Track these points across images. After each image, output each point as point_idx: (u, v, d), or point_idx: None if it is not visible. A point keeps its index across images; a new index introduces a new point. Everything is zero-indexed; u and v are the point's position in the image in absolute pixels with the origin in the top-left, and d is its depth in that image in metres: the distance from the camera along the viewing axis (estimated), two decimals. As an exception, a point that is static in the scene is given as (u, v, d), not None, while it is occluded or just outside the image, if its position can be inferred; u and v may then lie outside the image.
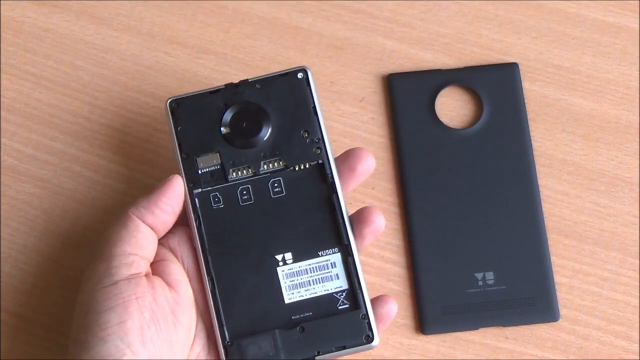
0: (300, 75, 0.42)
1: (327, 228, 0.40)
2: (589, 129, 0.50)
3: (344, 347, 0.39)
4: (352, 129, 0.50)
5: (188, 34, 0.52)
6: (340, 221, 0.40)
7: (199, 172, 0.41)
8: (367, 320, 0.39)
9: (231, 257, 0.40)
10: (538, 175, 0.49)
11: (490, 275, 0.45)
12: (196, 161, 0.41)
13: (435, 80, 0.50)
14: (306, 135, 0.41)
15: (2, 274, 0.48)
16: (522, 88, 0.50)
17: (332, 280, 0.40)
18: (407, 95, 0.50)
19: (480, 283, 0.46)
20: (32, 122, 0.51)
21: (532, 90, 0.51)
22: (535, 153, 0.49)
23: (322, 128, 0.41)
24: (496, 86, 0.50)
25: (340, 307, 0.40)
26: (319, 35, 0.52)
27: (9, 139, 0.51)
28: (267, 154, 0.41)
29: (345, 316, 0.39)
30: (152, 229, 0.40)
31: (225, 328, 0.39)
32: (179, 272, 0.40)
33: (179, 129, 0.41)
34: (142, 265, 0.39)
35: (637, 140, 0.50)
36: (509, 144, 0.49)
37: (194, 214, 0.40)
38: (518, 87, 0.50)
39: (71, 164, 0.50)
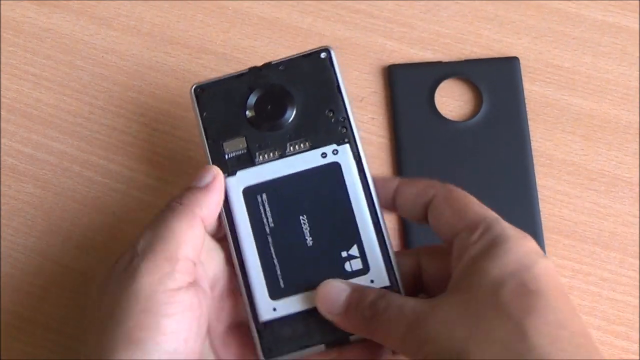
0: (323, 55, 0.42)
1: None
2: (589, 129, 0.50)
3: None
4: (352, 129, 0.50)
5: (188, 34, 0.52)
6: (370, 200, 0.40)
7: (226, 157, 0.40)
8: (399, 294, 0.39)
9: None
10: (538, 176, 0.49)
11: None
12: (222, 146, 0.41)
13: (436, 72, 0.50)
14: (331, 114, 0.41)
15: (2, 274, 0.48)
16: (522, 81, 0.50)
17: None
18: (407, 87, 0.50)
19: None
20: (32, 122, 0.51)
21: (532, 90, 0.51)
22: (535, 153, 0.49)
23: (347, 107, 0.41)
24: (496, 79, 0.50)
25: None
26: (319, 35, 0.52)
27: (9, 139, 0.51)
28: (292, 136, 0.41)
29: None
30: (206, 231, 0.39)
31: (257, 312, 0.39)
32: (203, 275, 0.39)
33: (204, 114, 0.41)
34: (198, 273, 0.38)
35: (637, 140, 0.50)
36: (508, 136, 0.49)
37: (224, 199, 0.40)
38: (518, 81, 0.50)
39: (71, 164, 0.50)
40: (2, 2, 0.53)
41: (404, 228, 0.48)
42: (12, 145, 0.51)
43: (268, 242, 0.39)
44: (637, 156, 0.49)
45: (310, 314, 0.39)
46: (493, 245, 0.34)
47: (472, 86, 0.50)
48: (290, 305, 0.39)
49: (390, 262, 0.39)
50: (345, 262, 0.39)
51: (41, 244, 0.49)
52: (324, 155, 0.40)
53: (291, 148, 0.40)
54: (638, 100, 0.50)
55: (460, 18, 0.52)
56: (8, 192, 0.50)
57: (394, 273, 0.39)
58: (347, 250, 0.39)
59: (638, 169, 0.49)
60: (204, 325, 0.37)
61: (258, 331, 0.39)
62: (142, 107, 0.51)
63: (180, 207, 0.37)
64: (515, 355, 0.31)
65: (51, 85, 0.52)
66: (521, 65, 0.51)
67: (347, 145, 0.40)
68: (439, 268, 0.38)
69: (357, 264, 0.39)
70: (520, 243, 0.34)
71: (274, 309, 0.39)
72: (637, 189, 0.49)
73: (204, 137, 0.41)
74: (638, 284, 0.47)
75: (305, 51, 0.42)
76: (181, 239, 0.36)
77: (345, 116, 0.41)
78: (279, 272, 0.39)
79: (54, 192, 0.50)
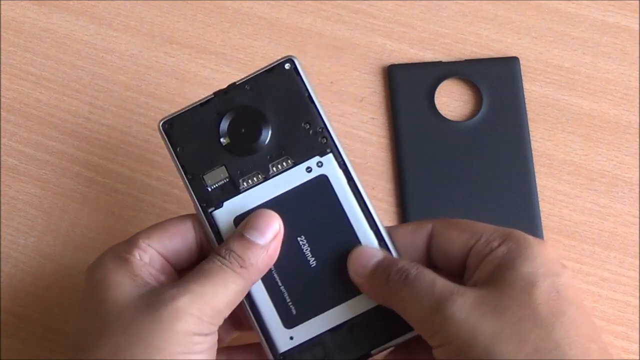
0: (287, 65, 0.39)
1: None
2: (589, 129, 0.50)
3: (396, 336, 0.38)
4: (352, 129, 0.50)
5: (188, 34, 0.52)
6: (364, 207, 0.39)
7: (209, 189, 0.39)
8: None
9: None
10: (538, 176, 0.49)
11: None
12: (203, 179, 0.39)
13: (436, 72, 0.50)
14: (308, 126, 0.39)
15: (2, 274, 0.48)
16: (522, 81, 0.50)
17: None
18: (407, 87, 0.50)
19: None
20: (32, 122, 0.51)
21: (532, 90, 0.51)
22: (535, 153, 0.49)
23: (322, 116, 0.39)
24: (496, 79, 0.50)
25: None
26: (319, 35, 0.52)
27: (9, 139, 0.51)
28: (273, 156, 0.39)
29: None
30: None
31: (274, 344, 0.38)
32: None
33: (178, 150, 0.39)
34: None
35: (637, 140, 0.50)
36: (508, 136, 0.49)
37: (214, 235, 0.39)
38: (518, 81, 0.50)
39: (71, 164, 0.50)
40: (2, 2, 0.53)
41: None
42: (12, 145, 0.51)
43: (271, 270, 0.38)
44: (637, 156, 0.49)
45: (328, 336, 0.38)
46: (520, 248, 0.34)
47: (472, 86, 0.51)
48: (307, 331, 0.38)
49: None
50: None
51: (41, 244, 0.49)
52: (308, 169, 0.39)
53: (274, 168, 0.39)
54: (638, 100, 0.50)
55: (460, 18, 0.52)
56: (8, 192, 0.50)
57: None
58: None
59: (638, 169, 0.49)
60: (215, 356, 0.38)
61: None
62: (142, 107, 0.51)
63: (242, 271, 0.37)
64: None
65: (51, 85, 0.52)
66: (521, 65, 0.51)
67: (331, 155, 0.39)
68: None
69: None
70: (546, 249, 0.34)
71: (291, 338, 0.38)
72: (637, 189, 0.49)
73: (183, 173, 0.39)
74: (638, 284, 0.47)
75: (268, 65, 0.40)
76: (232, 301, 0.36)
77: (323, 125, 0.39)
78: (288, 299, 0.38)
79: (54, 192, 0.50)
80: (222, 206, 0.39)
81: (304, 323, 0.38)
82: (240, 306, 0.39)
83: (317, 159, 0.39)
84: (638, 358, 0.46)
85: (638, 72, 0.51)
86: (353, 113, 0.50)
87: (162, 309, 0.35)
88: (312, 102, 0.39)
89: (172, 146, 0.39)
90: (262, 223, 0.38)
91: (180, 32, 0.52)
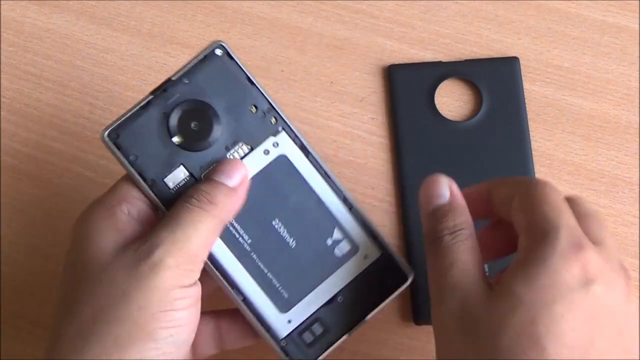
0: (218, 52, 0.39)
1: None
2: (589, 129, 0.50)
3: (386, 296, 0.39)
4: (352, 129, 0.50)
5: (188, 34, 0.52)
6: (327, 178, 0.39)
7: (172, 191, 0.38)
8: (394, 261, 0.39)
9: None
10: (538, 176, 0.49)
11: (484, 269, 0.45)
12: (165, 182, 0.38)
13: (436, 72, 0.50)
14: (255, 109, 0.39)
15: (2, 274, 0.48)
16: (522, 81, 0.50)
17: None
18: (407, 87, 0.50)
19: None
20: (32, 122, 0.51)
21: (532, 90, 0.51)
22: (535, 153, 0.49)
23: (266, 96, 0.39)
24: (496, 79, 0.50)
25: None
26: (319, 35, 0.52)
27: (9, 139, 0.51)
28: (228, 145, 0.39)
29: (373, 266, 0.39)
30: None
31: (274, 331, 0.39)
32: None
33: (130, 158, 0.38)
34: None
35: (637, 140, 0.50)
36: (508, 136, 0.49)
37: None
38: (518, 81, 0.50)
39: (71, 164, 0.50)
40: (2, 2, 0.53)
41: (405, 229, 0.48)
42: (12, 145, 0.51)
43: (254, 259, 0.39)
44: (637, 156, 0.49)
45: (323, 311, 0.39)
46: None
47: (472, 86, 0.51)
48: (302, 311, 0.39)
49: (372, 232, 0.39)
50: (333, 248, 0.39)
51: (41, 244, 0.49)
52: (266, 152, 0.39)
53: (232, 157, 0.39)
54: (638, 100, 0.50)
55: (460, 18, 0.52)
56: (8, 192, 0.50)
57: (381, 242, 0.39)
58: (331, 237, 0.39)
59: (638, 169, 0.49)
60: (199, 315, 0.37)
61: (282, 349, 0.39)
62: (142, 107, 0.51)
63: (211, 207, 0.36)
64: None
65: (51, 85, 0.52)
66: (521, 65, 0.51)
67: (284, 133, 0.39)
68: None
69: (345, 246, 0.39)
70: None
71: (289, 321, 0.39)
72: (637, 189, 0.49)
73: (142, 181, 0.38)
74: (638, 284, 0.47)
75: (199, 54, 0.39)
76: (205, 241, 0.36)
77: (269, 105, 0.39)
78: (277, 284, 0.39)
79: (54, 192, 0.50)
80: None
81: (298, 304, 0.39)
82: (223, 322, 0.39)
83: (271, 139, 0.39)
84: (638, 358, 0.46)
85: (638, 72, 0.51)
86: (353, 113, 0.50)
87: (139, 266, 0.35)
88: (252, 83, 0.39)
89: (123, 155, 0.38)
90: (229, 167, 0.38)
91: (180, 32, 0.52)
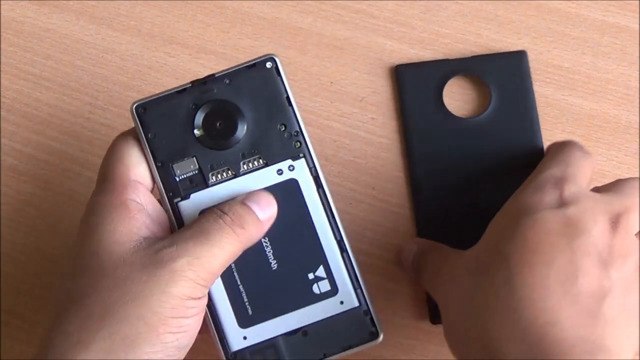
0: (269, 64, 0.39)
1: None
2: (589, 129, 0.50)
3: (350, 347, 0.39)
4: (352, 129, 0.50)
5: (188, 34, 0.52)
6: (331, 216, 0.39)
7: (177, 179, 0.39)
8: (369, 316, 0.39)
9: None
10: (538, 175, 0.49)
11: None
12: (172, 168, 0.39)
13: (443, 69, 0.50)
14: (283, 129, 0.39)
15: (2, 274, 0.48)
16: (531, 76, 0.50)
17: None
18: (415, 86, 0.50)
19: None
20: (32, 122, 0.51)
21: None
22: (535, 153, 0.49)
23: (299, 119, 0.39)
24: (504, 74, 0.50)
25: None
26: (319, 35, 0.52)
27: (9, 139, 0.51)
28: (245, 153, 0.39)
29: (347, 314, 0.39)
30: None
31: (227, 342, 0.39)
32: None
33: (149, 135, 0.38)
34: None
35: (637, 140, 0.50)
36: (518, 131, 0.49)
37: (177, 226, 0.38)
38: (526, 75, 0.50)
39: (71, 164, 0.50)
40: (2, 2, 0.53)
41: (418, 214, 0.48)
42: (12, 145, 0.51)
43: (231, 268, 0.38)
44: (637, 156, 0.49)
45: (282, 340, 0.39)
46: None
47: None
48: (261, 332, 0.38)
49: (358, 281, 0.39)
50: (312, 284, 0.39)
51: (41, 244, 0.49)
52: (279, 172, 0.39)
53: (245, 166, 0.39)
54: (638, 100, 0.50)
55: (460, 18, 0.52)
56: (8, 192, 0.50)
57: (363, 293, 0.39)
58: (314, 272, 0.39)
59: (638, 169, 0.49)
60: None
61: None
62: (142, 107, 0.51)
63: (241, 232, 0.37)
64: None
65: (51, 85, 0.52)
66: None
67: (303, 160, 0.39)
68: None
69: (325, 286, 0.39)
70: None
71: (244, 338, 0.38)
72: (637, 189, 0.49)
73: (152, 159, 0.38)
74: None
75: (250, 61, 0.39)
76: (226, 263, 0.37)
77: (298, 129, 0.39)
78: (245, 299, 0.39)
79: (54, 192, 0.50)
80: (189, 198, 0.39)
81: (259, 324, 0.39)
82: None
83: (289, 162, 0.39)
84: (638, 357, 0.46)
85: (638, 72, 0.51)
86: (353, 113, 0.50)
87: (159, 270, 0.35)
88: (290, 104, 0.39)
89: (143, 131, 0.39)
90: (265, 201, 0.38)
91: (180, 32, 0.52)
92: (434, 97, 0.50)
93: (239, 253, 0.37)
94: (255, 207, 0.38)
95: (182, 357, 0.36)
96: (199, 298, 0.36)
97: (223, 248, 0.36)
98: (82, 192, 0.49)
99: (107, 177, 0.38)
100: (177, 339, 0.35)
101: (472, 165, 0.48)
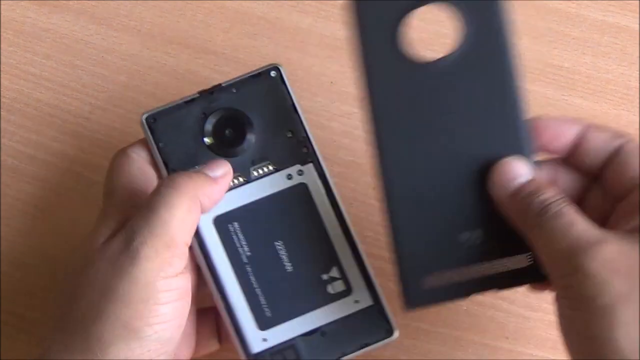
0: (273, 73, 0.41)
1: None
2: (589, 129, 0.50)
3: (367, 344, 0.39)
4: (352, 129, 0.50)
5: (188, 34, 0.52)
6: (340, 217, 0.40)
7: None
8: (384, 314, 0.39)
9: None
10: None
11: (478, 234, 0.37)
12: None
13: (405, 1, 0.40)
14: (291, 135, 0.40)
15: (2, 274, 0.48)
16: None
17: None
18: (370, 22, 0.39)
19: (468, 244, 0.37)
20: (32, 122, 0.51)
21: (532, 90, 0.51)
22: (535, 153, 0.49)
23: (305, 126, 0.40)
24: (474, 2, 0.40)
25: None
26: (319, 35, 0.52)
27: (9, 139, 0.51)
28: (255, 160, 0.40)
29: (362, 313, 0.39)
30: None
31: (248, 345, 0.39)
32: (190, 258, 0.38)
33: (160, 145, 0.40)
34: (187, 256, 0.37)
35: (637, 140, 0.50)
36: (491, 73, 0.40)
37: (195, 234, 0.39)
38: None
39: (71, 164, 0.50)
40: (2, 2, 0.53)
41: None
42: (12, 145, 0.51)
43: (247, 271, 0.39)
44: (637, 156, 0.49)
45: (301, 340, 0.39)
46: None
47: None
48: (280, 333, 0.39)
49: (370, 280, 0.40)
50: (327, 284, 0.39)
51: (41, 244, 0.49)
52: (289, 177, 0.40)
53: (255, 172, 0.40)
54: (638, 100, 0.50)
55: (460, 18, 0.52)
56: (8, 192, 0.50)
57: (376, 291, 0.39)
58: (328, 273, 0.39)
59: (638, 169, 0.49)
60: (188, 310, 0.37)
61: None
62: (142, 107, 0.51)
63: (184, 188, 0.36)
64: None
65: (51, 85, 0.52)
66: (521, 65, 0.50)
67: (311, 165, 0.40)
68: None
69: (339, 286, 0.39)
70: None
71: (264, 340, 0.39)
72: (637, 189, 0.49)
73: (164, 168, 0.39)
74: None
75: (254, 70, 0.41)
76: (182, 223, 0.35)
77: (305, 135, 0.40)
78: (263, 302, 0.39)
79: (54, 192, 0.50)
80: None
81: (278, 326, 0.39)
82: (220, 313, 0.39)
83: (298, 167, 0.40)
84: (638, 357, 0.46)
85: (638, 72, 0.51)
86: (353, 113, 0.50)
87: (119, 258, 0.34)
88: (296, 111, 0.40)
89: (154, 140, 0.40)
90: (212, 163, 0.39)
91: (180, 32, 0.52)
92: (392, 35, 0.40)
93: (196, 209, 0.36)
94: (205, 171, 0.38)
95: (172, 351, 0.35)
96: (173, 276, 0.35)
97: (170, 211, 0.35)
98: (82, 192, 0.49)
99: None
100: (155, 331, 0.34)
101: (443, 118, 0.38)
